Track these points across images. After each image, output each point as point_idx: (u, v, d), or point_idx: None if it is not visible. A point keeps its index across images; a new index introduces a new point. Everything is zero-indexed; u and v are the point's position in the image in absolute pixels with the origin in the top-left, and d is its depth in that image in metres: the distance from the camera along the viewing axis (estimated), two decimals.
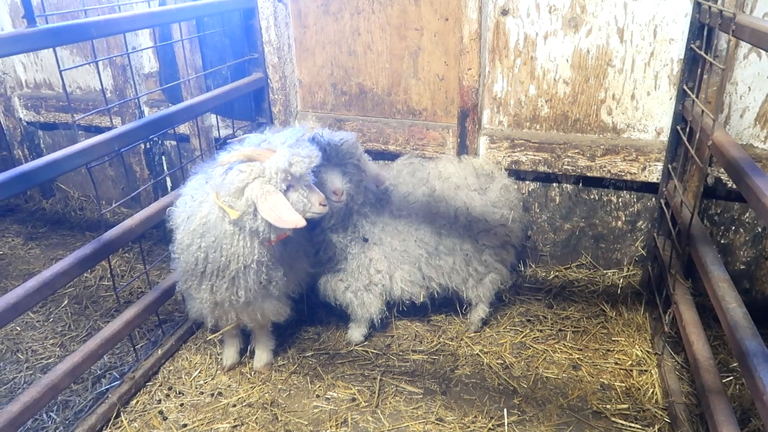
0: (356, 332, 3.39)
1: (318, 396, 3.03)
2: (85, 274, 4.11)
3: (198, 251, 2.61)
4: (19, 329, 3.61)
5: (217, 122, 4.34)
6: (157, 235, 4.46)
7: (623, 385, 3.01)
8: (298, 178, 2.53)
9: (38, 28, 2.34)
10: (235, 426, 2.83)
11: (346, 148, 2.91)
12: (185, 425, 2.85)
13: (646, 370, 3.09)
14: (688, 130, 3.06)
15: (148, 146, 4.72)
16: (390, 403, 2.96)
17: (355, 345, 3.38)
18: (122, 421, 2.87)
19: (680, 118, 3.19)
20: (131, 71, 3.63)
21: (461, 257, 3.22)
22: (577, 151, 3.58)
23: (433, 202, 3.19)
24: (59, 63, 2.66)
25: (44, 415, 2.90)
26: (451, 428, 2.78)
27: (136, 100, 4.45)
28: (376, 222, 3.15)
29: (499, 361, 3.22)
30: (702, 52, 2.85)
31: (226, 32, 3.93)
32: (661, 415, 2.80)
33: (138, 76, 4.54)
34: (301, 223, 2.47)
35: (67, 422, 2.84)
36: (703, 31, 2.89)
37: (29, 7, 2.31)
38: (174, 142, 4.68)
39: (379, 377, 3.12)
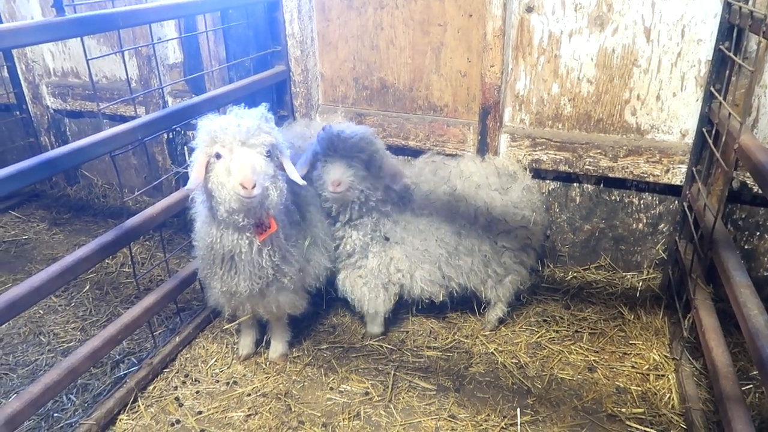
0: (375, 327, 3.41)
1: (331, 388, 3.04)
2: (107, 261, 4.18)
3: (207, 237, 2.65)
4: (41, 312, 3.69)
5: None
6: (178, 223, 4.51)
7: (639, 389, 2.98)
8: (231, 145, 2.39)
9: (66, 18, 2.38)
10: (249, 415, 2.86)
11: (354, 142, 2.87)
12: (200, 412, 2.89)
13: (663, 375, 3.05)
14: (714, 132, 3.00)
15: (170, 136, 4.77)
16: (403, 398, 2.96)
17: (373, 339, 3.39)
18: (139, 405, 2.92)
19: (706, 120, 3.14)
20: (156, 61, 3.67)
21: (480, 258, 3.19)
22: (599, 151, 3.54)
23: (453, 202, 3.17)
24: (86, 52, 2.70)
25: (64, 397, 2.96)
26: (463, 426, 2.77)
27: (161, 90, 4.50)
28: (398, 221, 3.15)
29: (513, 361, 3.21)
30: (731, 54, 2.80)
31: (250, 24, 3.95)
32: (677, 421, 2.76)
33: (163, 66, 4.59)
34: (189, 186, 2.42)
35: (85, 405, 2.90)
36: (733, 32, 2.83)
37: None
38: (196, 133, 4.71)
39: (392, 372, 3.12)
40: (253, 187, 2.33)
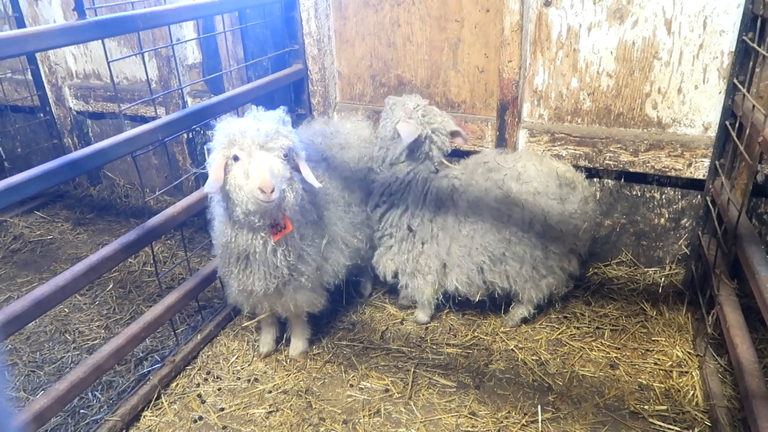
0: (421, 314, 3.50)
1: (352, 385, 3.06)
2: (129, 260, 4.24)
3: (222, 236, 2.68)
4: (67, 311, 3.76)
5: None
6: (199, 222, 4.56)
7: (662, 386, 2.95)
8: (249, 148, 2.41)
9: (88, 21, 2.41)
10: (271, 412, 2.89)
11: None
12: (222, 409, 2.92)
13: (686, 372, 3.01)
14: (737, 125, 2.95)
15: (190, 136, 4.83)
16: (423, 395, 2.96)
17: (420, 324, 3.50)
18: (163, 402, 2.96)
19: (729, 113, 3.08)
20: (175, 62, 3.72)
21: (530, 263, 3.13)
22: (619, 145, 3.50)
23: (504, 209, 3.06)
24: (107, 54, 2.74)
25: (89, 394, 3.02)
26: (483, 423, 2.77)
27: (180, 90, 4.55)
28: (432, 219, 3.20)
29: (534, 358, 3.19)
30: (755, 45, 2.75)
31: (268, 24, 3.97)
32: (701, 419, 2.72)
33: (182, 67, 4.63)
34: (208, 189, 2.44)
35: (110, 402, 2.95)
36: (757, 22, 2.78)
37: (80, 0, 2.38)
38: (214, 135, 4.76)
39: (412, 369, 3.13)
40: (272, 191, 2.36)
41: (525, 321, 3.46)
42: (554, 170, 3.12)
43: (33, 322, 3.41)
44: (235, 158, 2.44)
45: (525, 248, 3.09)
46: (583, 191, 3.17)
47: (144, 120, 4.55)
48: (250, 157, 2.41)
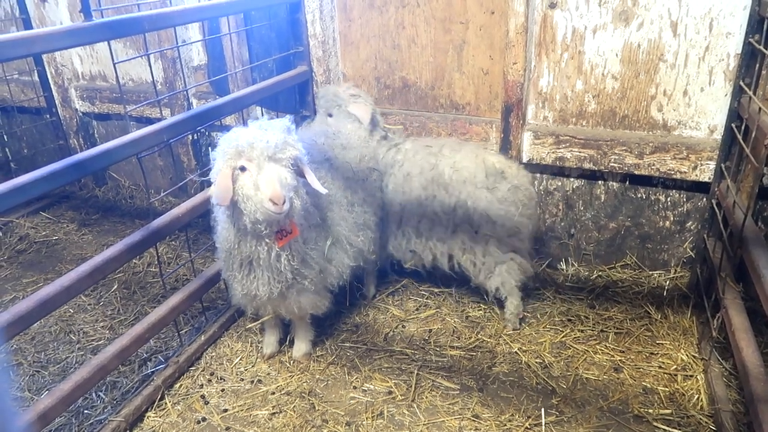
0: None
1: (355, 387, 3.05)
2: (134, 261, 4.25)
3: (225, 243, 2.68)
4: (71, 311, 3.77)
5: (263, 115, 4.41)
6: (203, 223, 4.56)
7: (667, 389, 2.93)
8: (258, 159, 2.41)
9: (94, 22, 2.42)
10: (274, 413, 2.89)
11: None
12: (225, 410, 2.93)
13: (691, 376, 3.00)
14: (743, 128, 2.94)
15: (195, 137, 4.84)
16: (426, 397, 2.96)
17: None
18: (166, 403, 2.96)
19: (735, 115, 3.07)
20: (181, 64, 3.74)
21: (458, 246, 3.36)
22: (624, 148, 3.49)
23: (431, 188, 3.34)
24: (113, 56, 2.75)
25: (94, 395, 3.03)
26: (487, 425, 2.76)
27: (185, 92, 4.56)
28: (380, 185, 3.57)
29: (537, 360, 3.18)
30: (761, 47, 2.74)
31: (273, 26, 3.98)
32: (706, 423, 2.71)
33: (187, 68, 4.65)
34: (218, 201, 2.45)
35: (114, 402, 2.96)
36: (763, 24, 2.77)
37: (86, 2, 2.40)
38: (221, 134, 4.76)
39: (416, 371, 3.12)
40: (283, 202, 2.37)
41: (527, 322, 3.45)
42: (483, 162, 3.33)
43: (38, 323, 3.42)
44: (242, 169, 2.44)
45: (445, 227, 3.36)
46: (512, 180, 3.30)
47: (149, 121, 4.57)
48: (259, 169, 2.40)
